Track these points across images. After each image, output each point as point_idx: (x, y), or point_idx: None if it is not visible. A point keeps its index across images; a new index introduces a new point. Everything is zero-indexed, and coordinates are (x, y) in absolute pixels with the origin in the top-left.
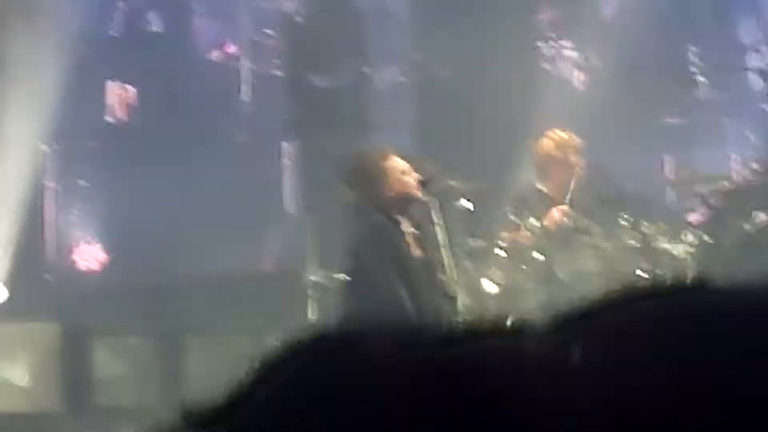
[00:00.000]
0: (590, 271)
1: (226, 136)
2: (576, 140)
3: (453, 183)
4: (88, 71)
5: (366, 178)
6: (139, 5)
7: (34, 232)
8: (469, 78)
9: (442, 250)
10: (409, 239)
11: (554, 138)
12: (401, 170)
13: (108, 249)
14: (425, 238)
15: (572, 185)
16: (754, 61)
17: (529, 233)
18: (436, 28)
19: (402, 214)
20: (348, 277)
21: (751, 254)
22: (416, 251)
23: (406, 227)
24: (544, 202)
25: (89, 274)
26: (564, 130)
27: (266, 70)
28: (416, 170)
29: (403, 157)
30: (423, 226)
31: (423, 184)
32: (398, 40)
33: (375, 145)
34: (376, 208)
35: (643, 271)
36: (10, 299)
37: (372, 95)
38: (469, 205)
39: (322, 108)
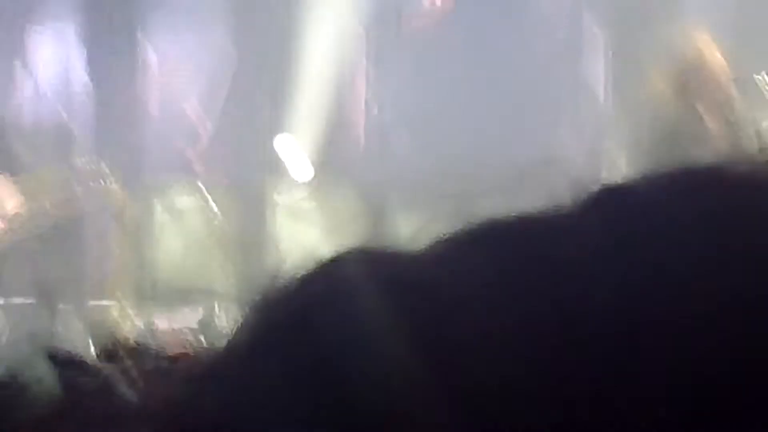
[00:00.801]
0: None
1: (543, 25)
2: None
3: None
4: None
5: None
6: None
7: (347, 114)
8: None
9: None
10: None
11: None
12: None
13: (417, 136)
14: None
15: None
16: None
17: None
18: None
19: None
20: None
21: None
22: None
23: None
24: None
25: (399, 159)
26: None
27: None
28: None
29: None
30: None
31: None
32: None
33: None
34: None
35: None
36: (320, 179)
37: None
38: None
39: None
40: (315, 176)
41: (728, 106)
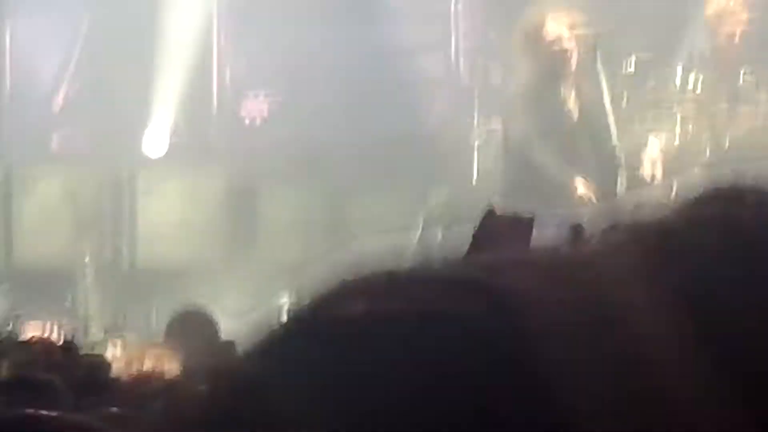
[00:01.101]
0: (757, 133)
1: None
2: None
3: (622, 41)
4: None
5: (528, 42)
6: None
7: (202, 82)
8: None
9: (608, 112)
10: (570, 101)
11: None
12: (552, 37)
13: (275, 102)
14: (588, 102)
15: (737, 43)
16: None
17: (697, 91)
18: None
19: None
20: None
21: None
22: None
23: (567, 89)
24: (713, 60)
25: (255, 125)
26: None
27: None
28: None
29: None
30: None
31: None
32: None
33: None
34: (540, 69)
35: None
36: (177, 151)
37: None
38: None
39: None
40: (171, 151)
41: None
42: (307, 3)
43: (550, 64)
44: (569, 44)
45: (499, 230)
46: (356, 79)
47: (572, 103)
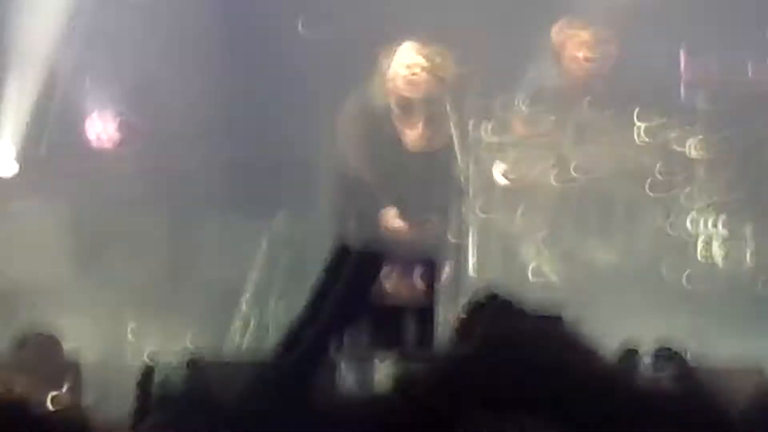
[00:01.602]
0: (603, 167)
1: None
2: (585, 28)
3: (468, 73)
4: None
5: (378, 67)
6: None
7: (49, 101)
8: None
9: (456, 143)
10: (410, 133)
11: (561, 25)
12: (406, 63)
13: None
14: (437, 131)
15: (582, 74)
16: None
17: (542, 125)
18: None
19: (406, 107)
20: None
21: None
22: (419, 142)
23: (400, 118)
24: (559, 95)
25: (104, 149)
26: (575, 19)
27: None
28: (434, 62)
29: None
30: (435, 118)
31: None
32: None
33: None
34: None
35: (656, 171)
36: (25, 173)
37: None
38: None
39: None
40: (19, 172)
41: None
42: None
43: (395, 92)
44: (420, 76)
45: (350, 264)
46: (203, 105)
47: (416, 134)
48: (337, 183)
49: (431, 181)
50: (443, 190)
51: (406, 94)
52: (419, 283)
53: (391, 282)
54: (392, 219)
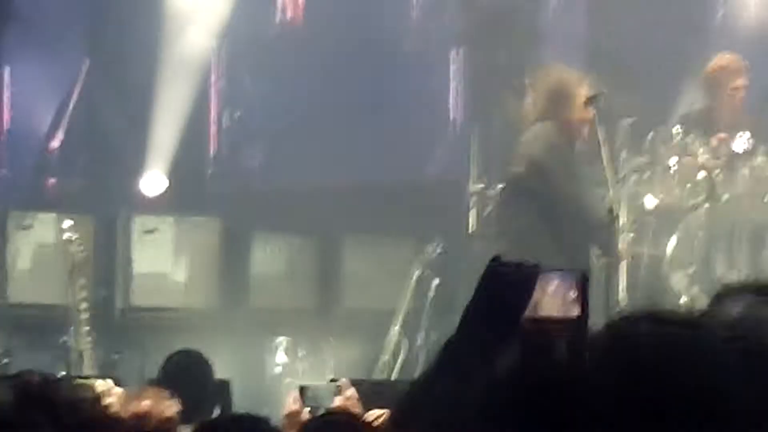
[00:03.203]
0: (752, 192)
1: (393, 43)
2: (742, 63)
3: (620, 100)
4: None
5: (559, 98)
6: None
7: (199, 127)
8: None
9: (606, 167)
10: (580, 160)
11: (720, 61)
12: (586, 99)
13: (269, 148)
14: (591, 155)
15: (735, 106)
16: None
17: (694, 152)
18: None
19: (578, 138)
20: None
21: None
22: (584, 170)
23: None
24: (710, 122)
25: (251, 171)
26: (731, 53)
27: None
28: (585, 86)
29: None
30: (590, 143)
31: (591, 100)
32: None
33: (543, 59)
34: (560, 129)
35: None
36: (172, 194)
37: (543, 9)
38: (632, 122)
39: (493, 19)
40: (167, 191)
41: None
42: (307, 52)
43: (571, 124)
44: (588, 109)
45: (503, 277)
46: (354, 128)
47: (581, 164)
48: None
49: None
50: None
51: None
52: (572, 298)
53: (544, 297)
54: None
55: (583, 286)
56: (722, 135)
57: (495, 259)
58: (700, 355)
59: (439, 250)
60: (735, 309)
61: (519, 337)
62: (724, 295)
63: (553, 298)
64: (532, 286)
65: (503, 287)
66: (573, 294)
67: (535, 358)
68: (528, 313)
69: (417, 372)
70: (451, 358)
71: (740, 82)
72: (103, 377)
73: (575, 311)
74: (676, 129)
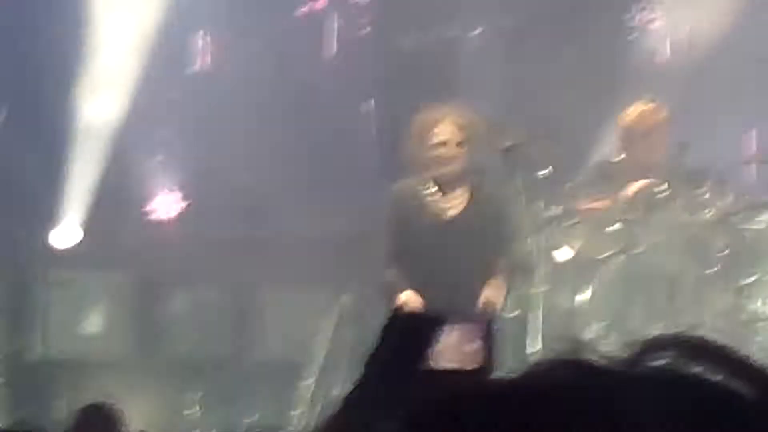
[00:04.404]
0: (668, 244)
1: (310, 93)
2: (661, 112)
3: (534, 149)
4: (176, 21)
5: (411, 136)
6: None
7: (115, 177)
8: (558, 46)
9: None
10: (437, 203)
11: (639, 110)
12: (447, 134)
13: (187, 199)
14: (497, 204)
15: (655, 157)
16: None
17: (609, 203)
18: None
19: (438, 178)
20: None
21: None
22: (447, 214)
23: (436, 191)
24: (626, 173)
25: (167, 222)
26: (649, 102)
27: (354, 28)
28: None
29: (468, 122)
30: (495, 192)
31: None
32: (488, 3)
33: (458, 107)
34: (412, 168)
35: (722, 247)
36: (87, 246)
37: (460, 58)
38: (549, 173)
39: (408, 69)
40: (81, 243)
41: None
42: (222, 101)
43: (429, 164)
44: (454, 149)
45: (407, 327)
46: (269, 177)
47: (450, 209)
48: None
49: (469, 252)
50: (482, 260)
51: (448, 170)
52: (473, 347)
53: (445, 346)
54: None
55: (487, 336)
56: (640, 184)
57: (397, 309)
58: (617, 403)
59: (355, 300)
60: (655, 363)
61: (420, 386)
62: (644, 348)
63: (456, 348)
64: (433, 335)
65: (404, 336)
66: (477, 344)
67: (434, 409)
68: (430, 362)
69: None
70: (349, 409)
71: (657, 129)
72: (20, 429)
73: (478, 361)
74: (593, 179)
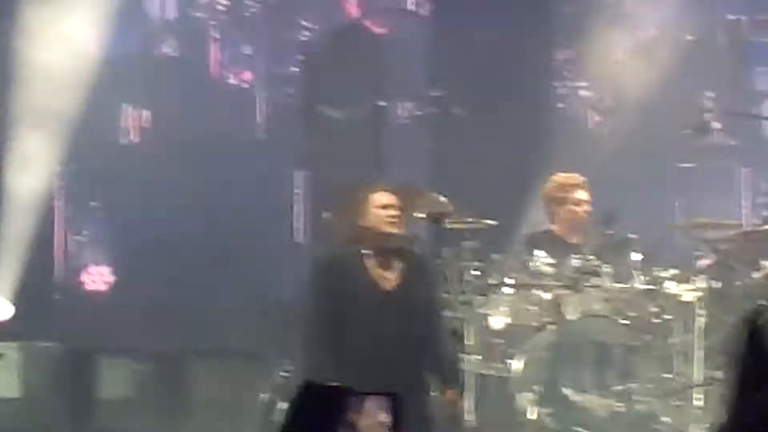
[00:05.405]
0: (598, 313)
1: (238, 163)
2: (578, 178)
3: (464, 220)
4: (103, 93)
5: (345, 207)
6: (156, 29)
7: (44, 251)
8: (484, 116)
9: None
10: (375, 273)
11: (557, 179)
12: (383, 204)
13: (116, 271)
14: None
15: (577, 224)
16: None
17: (538, 272)
18: (452, 64)
19: (376, 248)
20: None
21: (758, 301)
22: (386, 285)
23: (373, 261)
24: (553, 242)
25: (96, 295)
26: (566, 171)
27: (281, 99)
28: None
29: (399, 192)
30: (423, 264)
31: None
32: (414, 75)
33: (386, 178)
34: (346, 239)
35: (651, 315)
36: (16, 318)
37: (387, 129)
38: (478, 244)
39: (336, 139)
40: (13, 317)
41: None
42: (151, 171)
43: (367, 233)
44: (397, 213)
45: (313, 398)
46: (200, 248)
47: (392, 274)
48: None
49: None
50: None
51: (387, 230)
52: (384, 419)
53: (357, 418)
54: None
55: (394, 409)
56: (568, 253)
57: (307, 382)
58: None
59: (285, 373)
60: None
61: None
62: None
63: (368, 420)
64: (343, 407)
65: (313, 408)
66: (384, 417)
67: None
68: None
69: None
70: None
71: (579, 196)
72: None
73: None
74: (522, 249)
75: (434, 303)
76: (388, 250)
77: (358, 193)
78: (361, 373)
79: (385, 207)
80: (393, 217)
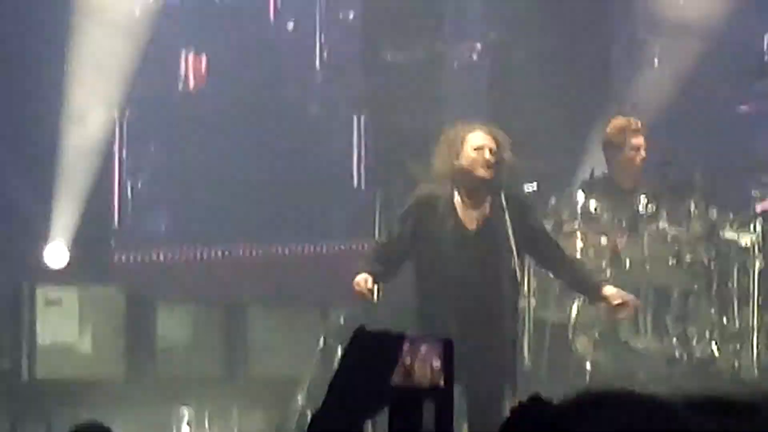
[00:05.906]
0: (656, 257)
1: (297, 108)
2: (635, 123)
3: (522, 164)
4: (162, 40)
5: (442, 146)
6: None
7: (103, 197)
8: (543, 59)
9: (509, 234)
10: (463, 214)
11: (616, 123)
12: (478, 145)
13: (174, 217)
14: (495, 220)
15: (635, 169)
16: None
17: (596, 216)
18: (512, 5)
19: (462, 188)
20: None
21: None
22: (471, 226)
23: (460, 200)
24: (610, 187)
25: (155, 241)
26: (626, 115)
27: (341, 43)
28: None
29: (494, 132)
30: (494, 208)
31: (494, 165)
32: (474, 18)
33: (445, 123)
34: (440, 177)
35: (708, 259)
36: (76, 265)
37: (445, 73)
38: (535, 187)
39: (395, 83)
40: (71, 262)
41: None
42: (210, 119)
43: (460, 181)
44: (489, 155)
45: (367, 345)
46: (259, 194)
47: (472, 219)
48: None
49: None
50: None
51: (480, 175)
52: (438, 365)
53: (410, 364)
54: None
55: (447, 354)
56: (625, 198)
57: (360, 328)
58: None
59: (343, 318)
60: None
61: (385, 405)
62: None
63: (421, 366)
64: (396, 353)
65: (367, 355)
66: (438, 363)
67: (401, 427)
68: (394, 381)
69: None
70: (319, 430)
71: (637, 141)
72: None
73: (440, 380)
74: (578, 193)
75: (542, 231)
76: (479, 189)
77: (456, 132)
78: (438, 314)
79: (479, 149)
80: (487, 160)
